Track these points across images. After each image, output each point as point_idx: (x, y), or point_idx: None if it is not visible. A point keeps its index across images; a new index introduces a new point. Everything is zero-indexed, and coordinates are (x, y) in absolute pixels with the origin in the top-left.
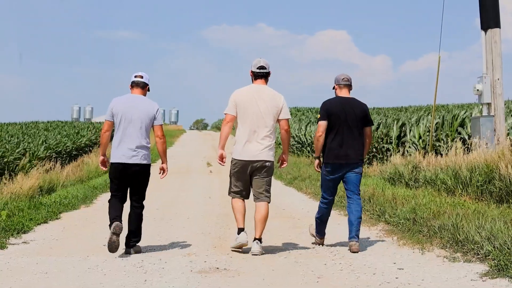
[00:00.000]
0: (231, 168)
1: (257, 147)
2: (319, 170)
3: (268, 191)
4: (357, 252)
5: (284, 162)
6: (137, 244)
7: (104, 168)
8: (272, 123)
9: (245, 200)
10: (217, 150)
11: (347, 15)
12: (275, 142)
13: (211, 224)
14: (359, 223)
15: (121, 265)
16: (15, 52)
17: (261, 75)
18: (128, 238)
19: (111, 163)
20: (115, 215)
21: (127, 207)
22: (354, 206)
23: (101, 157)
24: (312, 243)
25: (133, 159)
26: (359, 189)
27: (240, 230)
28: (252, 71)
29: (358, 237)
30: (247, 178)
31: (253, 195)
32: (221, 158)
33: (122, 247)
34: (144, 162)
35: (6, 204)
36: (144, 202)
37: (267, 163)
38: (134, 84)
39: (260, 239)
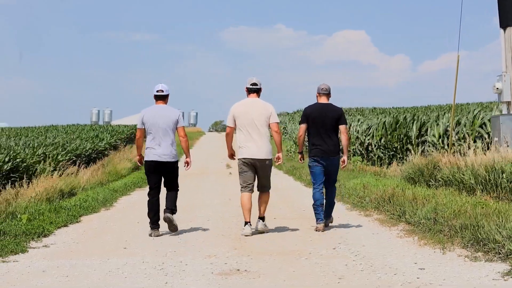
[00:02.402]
0: (238, 167)
1: (256, 148)
2: (302, 162)
3: (268, 181)
4: (323, 231)
5: (279, 159)
6: (174, 212)
7: (140, 164)
8: (265, 127)
9: (252, 193)
10: (228, 152)
11: (365, 15)
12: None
13: (232, 226)
14: (332, 207)
15: (142, 267)
16: (35, 55)
17: (254, 90)
18: (166, 206)
19: (145, 161)
20: (153, 219)
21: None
22: (329, 194)
23: (138, 157)
24: (315, 230)
25: (163, 158)
26: (335, 179)
27: (246, 223)
28: (246, 87)
29: (329, 218)
30: (252, 173)
31: (257, 186)
32: (231, 156)
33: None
34: (172, 160)
35: (27, 208)
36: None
37: (266, 161)
38: (157, 97)
39: (263, 218)
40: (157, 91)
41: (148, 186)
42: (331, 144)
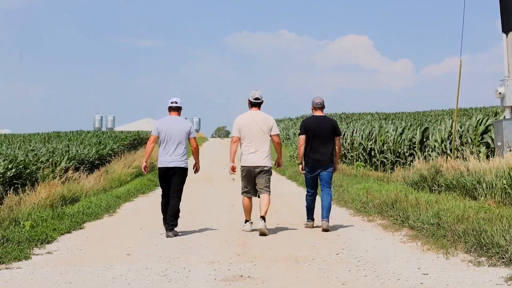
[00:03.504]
0: (241, 173)
1: (258, 156)
2: (303, 172)
3: (268, 186)
4: (328, 230)
5: (280, 165)
6: (174, 228)
7: (145, 172)
8: (267, 138)
9: (252, 198)
10: (229, 163)
11: (368, 20)
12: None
13: (235, 232)
14: (329, 208)
15: (145, 274)
16: (36, 61)
17: (256, 104)
18: (166, 221)
19: (159, 167)
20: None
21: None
22: (325, 196)
23: (144, 164)
24: (305, 226)
25: (173, 164)
26: (330, 183)
27: (247, 221)
28: (249, 100)
29: (328, 218)
30: (252, 179)
31: (258, 190)
32: (233, 169)
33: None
34: (182, 165)
35: (30, 214)
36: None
37: (265, 168)
38: (171, 108)
39: (264, 218)
40: (171, 103)
41: (161, 190)
42: (326, 153)
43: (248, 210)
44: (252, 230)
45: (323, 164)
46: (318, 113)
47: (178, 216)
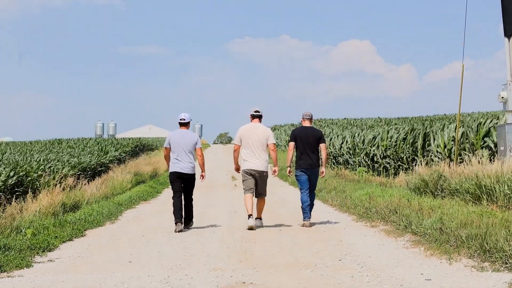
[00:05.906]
0: (242, 176)
1: (256, 162)
2: (290, 175)
3: (264, 189)
4: (309, 227)
5: (275, 172)
6: (190, 223)
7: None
8: (265, 146)
9: (253, 195)
10: (234, 165)
11: (370, 25)
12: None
13: (237, 239)
14: (311, 207)
15: (147, 281)
16: (39, 69)
17: (257, 116)
18: (185, 220)
19: (170, 172)
20: (177, 215)
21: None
22: (310, 197)
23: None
24: (302, 226)
25: (184, 170)
26: (315, 186)
27: (250, 216)
28: (251, 114)
29: (309, 216)
30: (252, 180)
31: (255, 193)
32: (237, 170)
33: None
34: (191, 172)
35: (31, 222)
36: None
37: (264, 173)
38: (181, 124)
39: (260, 218)
40: (180, 119)
41: (172, 191)
42: (314, 158)
43: (250, 205)
44: (257, 226)
45: (312, 167)
46: (306, 123)
47: (192, 214)
